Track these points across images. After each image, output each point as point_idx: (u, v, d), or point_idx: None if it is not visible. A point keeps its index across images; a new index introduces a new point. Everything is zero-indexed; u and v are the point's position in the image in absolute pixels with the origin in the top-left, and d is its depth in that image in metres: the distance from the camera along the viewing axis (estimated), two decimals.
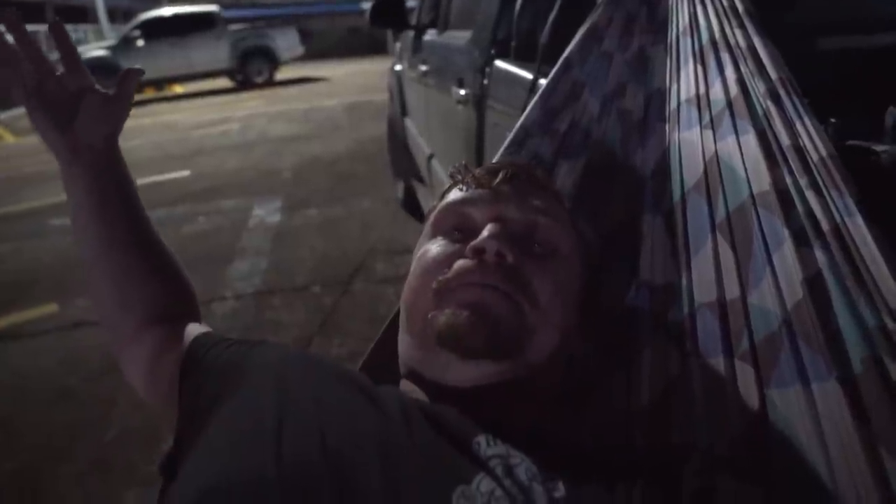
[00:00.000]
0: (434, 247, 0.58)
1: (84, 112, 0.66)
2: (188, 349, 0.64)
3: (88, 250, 0.70)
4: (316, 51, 14.77)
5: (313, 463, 0.45)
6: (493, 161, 0.82)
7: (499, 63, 1.55)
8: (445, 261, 0.56)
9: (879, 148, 0.64)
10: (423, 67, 2.59)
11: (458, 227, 0.59)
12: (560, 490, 0.43)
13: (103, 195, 0.69)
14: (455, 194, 0.61)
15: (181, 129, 7.53)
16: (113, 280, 0.70)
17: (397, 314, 0.66)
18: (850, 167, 0.58)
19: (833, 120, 0.70)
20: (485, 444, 0.46)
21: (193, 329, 0.69)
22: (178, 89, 11.80)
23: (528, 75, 1.27)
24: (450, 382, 0.53)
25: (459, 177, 0.63)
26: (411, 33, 3.07)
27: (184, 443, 0.56)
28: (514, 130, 0.83)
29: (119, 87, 0.69)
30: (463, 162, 0.65)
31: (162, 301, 0.71)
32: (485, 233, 0.54)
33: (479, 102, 1.66)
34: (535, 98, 0.83)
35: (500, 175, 0.60)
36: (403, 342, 0.60)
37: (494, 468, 0.44)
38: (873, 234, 0.45)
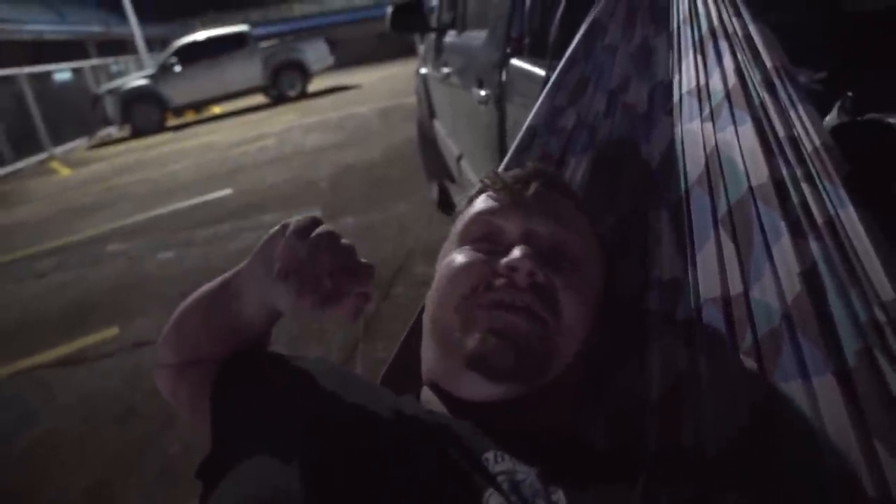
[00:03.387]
0: (461, 256, 0.58)
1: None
2: (222, 364, 0.66)
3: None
4: (346, 59, 14.95)
5: (336, 476, 0.48)
6: (506, 163, 0.83)
7: (514, 62, 1.55)
8: (473, 271, 0.56)
9: (892, 119, 0.62)
10: (446, 69, 2.61)
11: (486, 237, 0.59)
12: (563, 502, 0.44)
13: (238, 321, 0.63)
14: (484, 203, 0.62)
15: (221, 149, 7.75)
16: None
17: (420, 314, 0.68)
18: (866, 143, 0.56)
19: (850, 94, 0.68)
20: (493, 461, 0.48)
21: None
22: (217, 110, 12.13)
23: (542, 72, 1.27)
24: (473, 399, 0.55)
25: (489, 183, 0.63)
26: (433, 35, 3.08)
27: (219, 454, 0.59)
28: (523, 131, 0.84)
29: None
30: (493, 170, 0.65)
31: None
32: (517, 252, 0.54)
33: (499, 102, 1.66)
34: (542, 97, 0.84)
35: (532, 187, 0.60)
36: (427, 352, 0.61)
37: (502, 484, 0.46)
38: (865, 225, 0.45)
